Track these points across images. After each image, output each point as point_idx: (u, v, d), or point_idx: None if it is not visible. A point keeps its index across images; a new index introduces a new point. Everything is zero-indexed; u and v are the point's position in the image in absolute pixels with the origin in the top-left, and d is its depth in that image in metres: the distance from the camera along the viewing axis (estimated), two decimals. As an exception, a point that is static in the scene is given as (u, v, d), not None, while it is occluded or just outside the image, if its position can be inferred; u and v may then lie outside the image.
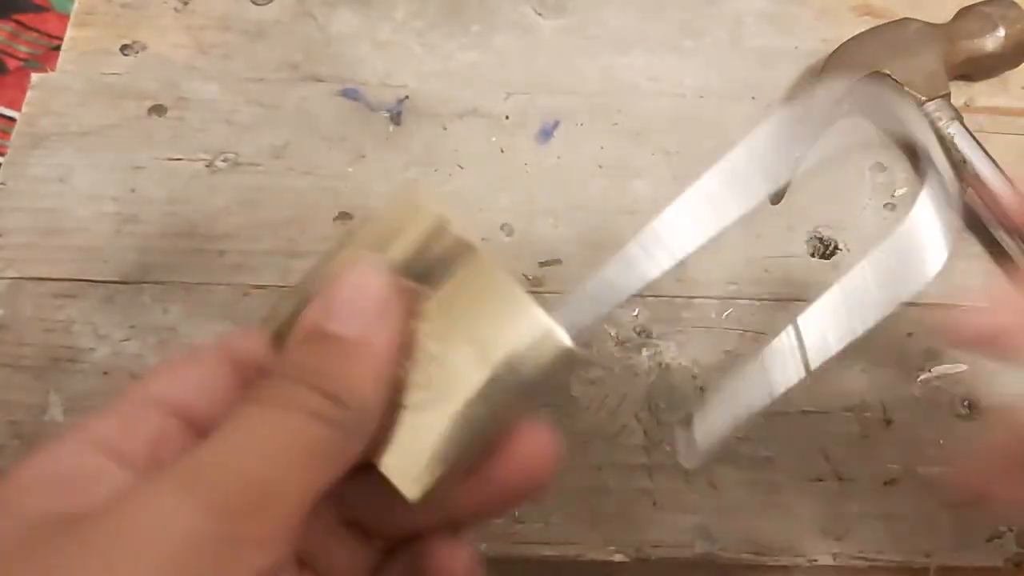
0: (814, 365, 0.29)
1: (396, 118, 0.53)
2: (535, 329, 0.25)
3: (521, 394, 0.25)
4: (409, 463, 0.25)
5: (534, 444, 0.26)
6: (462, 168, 0.52)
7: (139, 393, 0.25)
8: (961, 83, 0.56)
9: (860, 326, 0.28)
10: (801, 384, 0.28)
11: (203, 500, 0.20)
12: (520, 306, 0.26)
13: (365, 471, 0.25)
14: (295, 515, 0.22)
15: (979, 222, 0.51)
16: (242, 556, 0.20)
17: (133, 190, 0.50)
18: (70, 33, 0.55)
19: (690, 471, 0.28)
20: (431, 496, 0.25)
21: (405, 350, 0.25)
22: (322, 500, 0.23)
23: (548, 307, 0.26)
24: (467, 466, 0.25)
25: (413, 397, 0.25)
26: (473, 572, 0.26)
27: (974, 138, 0.50)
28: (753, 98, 0.55)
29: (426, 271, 0.26)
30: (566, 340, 0.25)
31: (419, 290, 0.26)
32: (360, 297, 0.25)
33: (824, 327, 0.29)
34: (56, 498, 0.23)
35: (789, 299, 0.48)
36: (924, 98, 0.51)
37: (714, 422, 0.28)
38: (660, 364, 0.46)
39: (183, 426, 0.24)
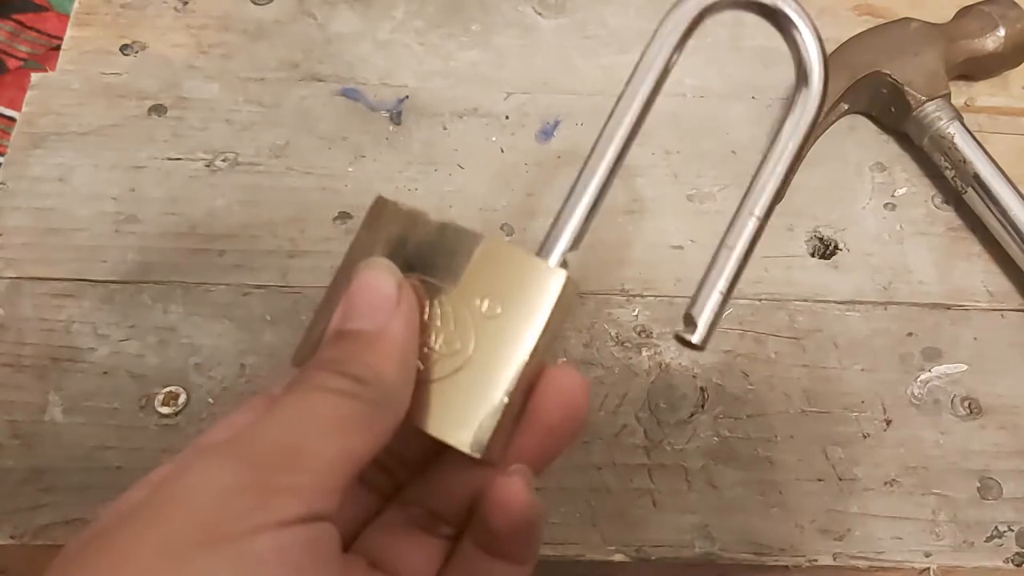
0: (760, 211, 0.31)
1: (396, 118, 0.53)
2: (533, 269, 0.28)
3: (539, 331, 0.27)
4: (463, 423, 0.27)
5: (564, 380, 0.28)
6: (462, 168, 0.52)
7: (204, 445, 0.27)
8: (961, 83, 0.56)
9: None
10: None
11: (240, 459, 0.23)
12: (514, 256, 0.28)
13: (431, 465, 0.29)
14: (332, 474, 0.24)
15: (979, 222, 0.51)
16: (276, 502, 0.23)
17: (133, 190, 0.50)
18: (70, 33, 0.55)
19: (702, 346, 0.29)
20: (493, 448, 0.27)
21: (425, 330, 0.28)
22: (390, 506, 0.28)
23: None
24: (514, 411, 0.28)
25: (448, 365, 0.27)
26: (530, 502, 0.27)
27: (974, 138, 0.50)
28: (753, 98, 0.55)
29: (422, 259, 0.29)
30: (562, 271, 0.28)
31: (422, 277, 0.28)
32: (372, 295, 0.27)
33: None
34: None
35: (789, 299, 0.48)
36: (924, 98, 0.51)
37: (705, 300, 0.30)
38: (660, 364, 0.46)
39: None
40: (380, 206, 0.30)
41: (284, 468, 0.23)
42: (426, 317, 0.28)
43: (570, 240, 0.29)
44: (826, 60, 0.32)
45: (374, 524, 0.30)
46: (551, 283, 0.28)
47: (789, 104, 0.32)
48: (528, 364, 0.27)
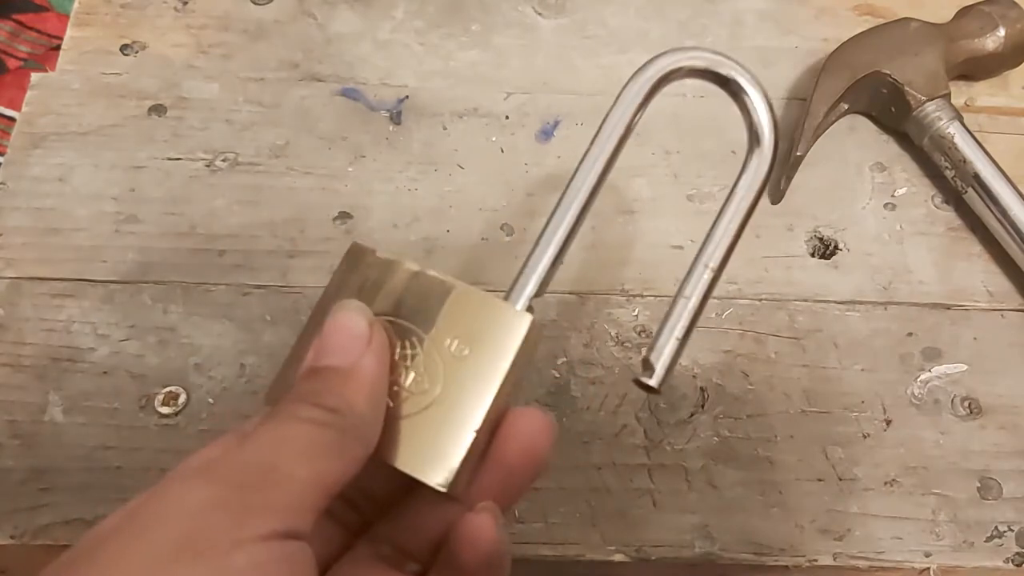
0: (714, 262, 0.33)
1: (396, 118, 0.53)
2: (501, 313, 0.29)
3: (505, 371, 0.29)
4: (431, 458, 0.28)
5: (527, 422, 0.30)
6: (462, 168, 0.52)
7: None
8: (961, 83, 0.56)
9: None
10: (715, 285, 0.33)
11: (216, 479, 0.25)
12: (484, 301, 0.30)
13: (399, 503, 0.30)
14: (305, 494, 0.25)
15: (979, 222, 0.51)
16: (253, 519, 0.24)
17: (133, 190, 0.50)
18: (70, 33, 0.55)
19: (659, 389, 0.31)
20: (459, 483, 0.28)
21: (396, 369, 0.29)
22: (360, 542, 0.29)
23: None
24: (480, 448, 0.29)
25: (417, 403, 0.29)
26: (499, 539, 0.28)
27: (974, 138, 0.50)
28: (753, 98, 0.55)
29: (395, 303, 0.30)
30: (528, 315, 0.29)
31: (394, 319, 0.30)
32: (344, 334, 0.29)
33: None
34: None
35: (789, 299, 0.48)
36: (924, 98, 0.51)
37: (663, 347, 0.31)
38: (660, 364, 0.46)
39: None
40: (357, 252, 0.31)
41: (259, 487, 0.24)
42: (397, 357, 0.29)
43: (536, 286, 0.31)
44: (776, 123, 0.35)
45: (343, 559, 0.30)
46: (518, 326, 0.29)
47: (744, 162, 0.35)
48: (494, 403, 0.28)
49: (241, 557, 0.23)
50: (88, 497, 0.41)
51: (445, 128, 0.53)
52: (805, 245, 0.50)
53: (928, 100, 0.51)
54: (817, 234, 0.51)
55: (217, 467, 0.25)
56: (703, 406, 0.45)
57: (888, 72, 0.51)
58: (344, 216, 0.50)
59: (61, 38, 0.56)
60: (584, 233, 0.50)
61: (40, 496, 0.41)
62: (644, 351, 0.31)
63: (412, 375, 0.29)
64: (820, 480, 0.44)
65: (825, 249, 0.50)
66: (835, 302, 0.48)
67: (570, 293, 0.48)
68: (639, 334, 0.47)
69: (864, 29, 0.54)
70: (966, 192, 0.50)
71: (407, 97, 0.54)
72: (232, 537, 0.23)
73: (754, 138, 0.34)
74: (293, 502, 0.25)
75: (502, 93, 0.54)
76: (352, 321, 0.29)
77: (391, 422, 0.28)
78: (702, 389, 0.46)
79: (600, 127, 0.33)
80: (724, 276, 0.49)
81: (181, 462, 0.27)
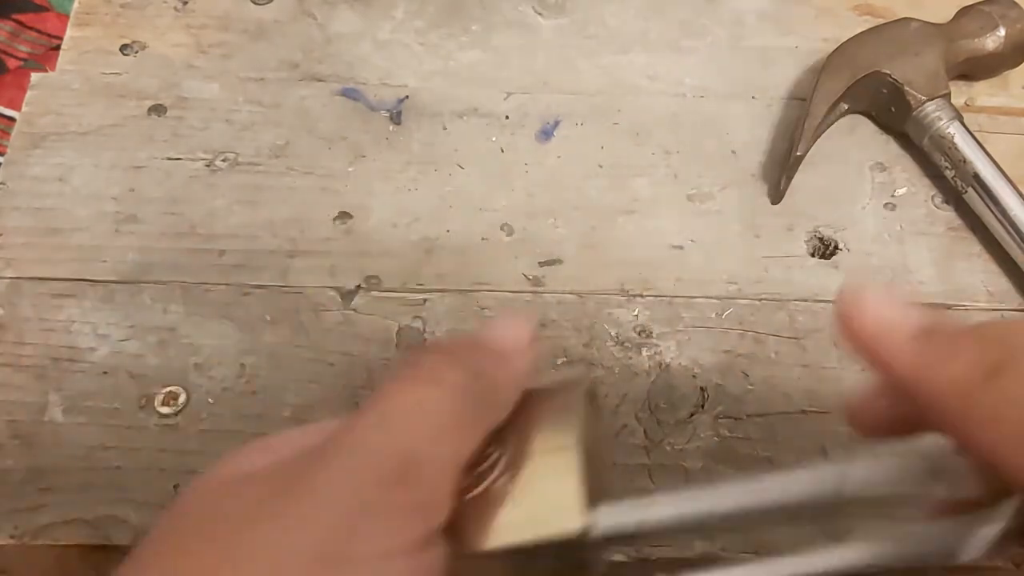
0: None
1: (396, 118, 0.53)
2: (564, 495, 0.26)
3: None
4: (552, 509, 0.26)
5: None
6: (462, 168, 0.52)
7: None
8: (961, 83, 0.56)
9: None
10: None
11: (357, 472, 0.23)
12: (568, 468, 0.26)
13: None
14: (445, 481, 0.24)
15: (979, 222, 0.51)
16: (400, 522, 0.23)
17: (133, 190, 0.50)
18: (70, 33, 0.55)
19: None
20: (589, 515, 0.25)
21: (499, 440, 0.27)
22: None
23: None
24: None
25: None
26: None
27: (974, 138, 0.50)
28: (753, 98, 0.55)
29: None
30: (580, 521, 0.25)
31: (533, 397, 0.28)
32: (513, 327, 0.28)
33: None
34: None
35: (789, 299, 0.48)
36: (924, 98, 0.51)
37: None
38: (660, 364, 0.46)
39: None
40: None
41: (404, 482, 0.23)
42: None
43: (629, 531, 0.26)
44: None
45: None
46: (564, 528, 0.25)
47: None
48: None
49: (392, 569, 0.22)
50: (88, 497, 0.41)
51: (445, 128, 0.53)
52: (805, 245, 0.50)
53: (928, 100, 0.51)
54: (817, 234, 0.50)
55: (356, 454, 0.23)
56: (703, 406, 0.45)
57: (888, 72, 0.51)
58: (344, 216, 0.49)
59: (61, 38, 0.56)
60: (584, 233, 0.50)
61: (40, 496, 0.41)
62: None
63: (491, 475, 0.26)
64: (820, 480, 0.44)
65: (825, 249, 0.50)
66: (835, 302, 0.48)
67: (570, 293, 0.48)
68: (639, 334, 0.47)
69: (864, 29, 0.54)
70: (966, 192, 0.50)
71: (407, 97, 0.54)
72: (382, 547, 0.22)
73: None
74: (436, 496, 0.23)
75: (502, 93, 0.54)
76: (522, 325, 0.28)
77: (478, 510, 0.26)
78: (702, 389, 0.45)
79: None
80: (724, 276, 0.49)
81: (306, 431, 0.26)
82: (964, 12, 0.54)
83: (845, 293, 0.27)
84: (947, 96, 0.51)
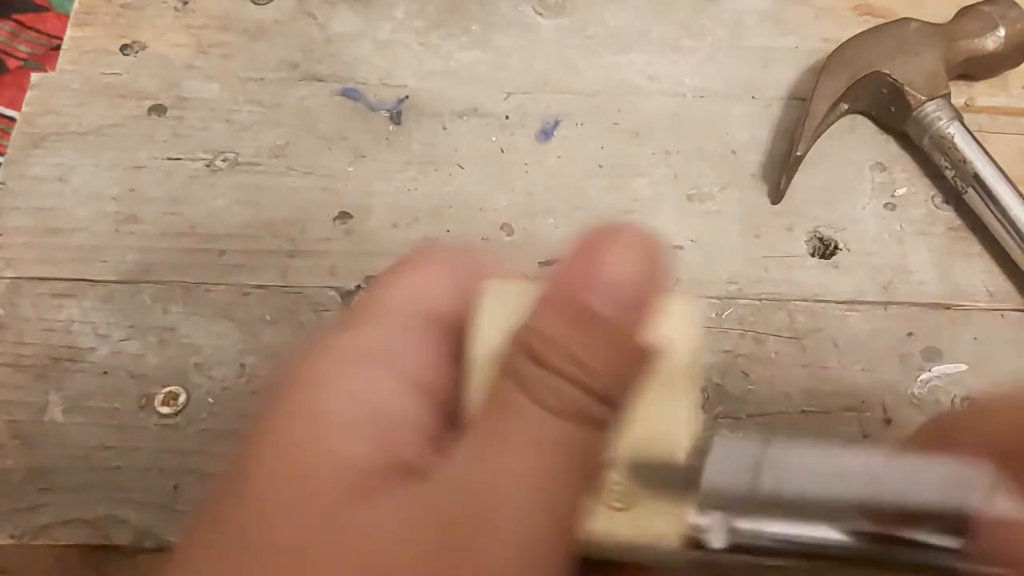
0: None
1: (396, 118, 0.53)
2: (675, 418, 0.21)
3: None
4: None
5: None
6: (462, 168, 0.52)
7: (396, 304, 0.22)
8: (961, 83, 0.56)
9: None
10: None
11: (416, 521, 0.18)
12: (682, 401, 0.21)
13: None
14: (536, 553, 0.18)
15: (979, 222, 0.51)
16: None
17: (133, 190, 0.50)
18: (70, 33, 0.55)
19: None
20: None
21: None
22: None
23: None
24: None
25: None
26: None
27: (974, 138, 0.50)
28: (753, 98, 0.55)
29: None
30: (681, 452, 0.21)
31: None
32: (630, 275, 0.19)
33: None
34: (378, 446, 0.19)
35: (789, 299, 0.48)
36: (924, 98, 0.51)
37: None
38: (660, 364, 0.46)
39: (444, 335, 0.21)
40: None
41: (469, 547, 0.18)
42: None
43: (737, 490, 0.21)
44: None
45: None
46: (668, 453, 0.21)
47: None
48: None
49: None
50: (88, 497, 0.41)
51: (445, 128, 0.53)
52: (805, 245, 0.50)
53: (928, 100, 0.51)
54: (817, 234, 0.50)
55: (418, 499, 0.18)
56: (703, 406, 0.45)
57: (888, 72, 0.51)
58: (344, 216, 0.50)
59: (61, 38, 0.56)
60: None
61: (40, 496, 0.41)
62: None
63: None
64: (820, 480, 0.44)
65: (825, 249, 0.50)
66: (835, 302, 0.48)
67: (570, 293, 0.48)
68: (639, 334, 0.47)
69: (864, 29, 0.54)
70: (966, 192, 0.50)
71: (407, 97, 0.54)
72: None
73: None
74: (519, 568, 0.17)
75: (502, 93, 0.54)
76: (646, 256, 0.19)
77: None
78: (702, 389, 0.45)
79: None
80: (724, 276, 0.49)
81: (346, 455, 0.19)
82: (964, 12, 0.54)
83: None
84: (947, 96, 0.51)
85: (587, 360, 0.18)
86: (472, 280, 0.22)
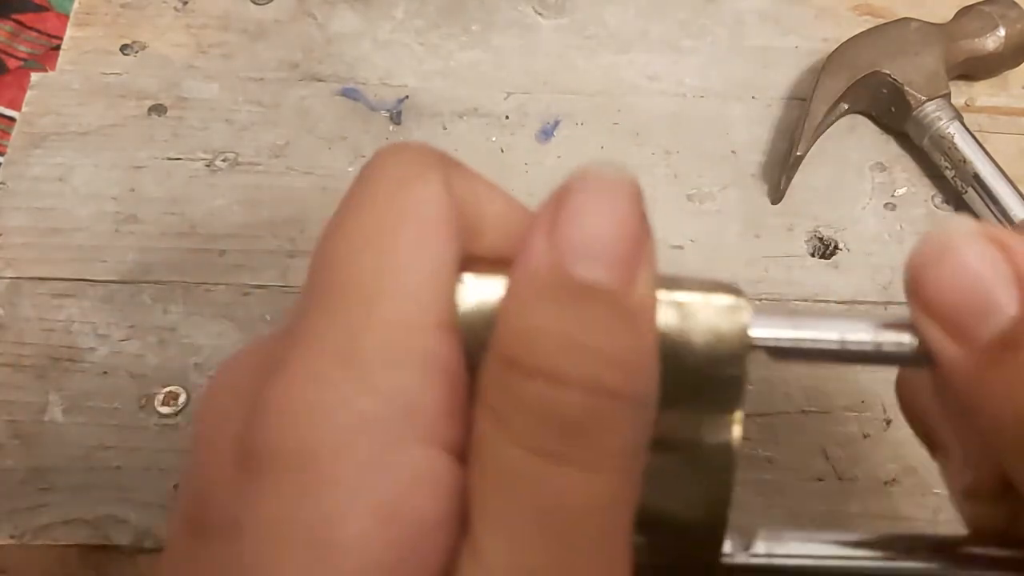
0: None
1: (396, 118, 0.53)
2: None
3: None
4: None
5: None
6: (462, 168, 0.52)
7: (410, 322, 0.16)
8: (961, 83, 0.56)
9: None
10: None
11: None
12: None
13: None
14: None
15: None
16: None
17: (133, 190, 0.50)
18: (70, 33, 0.55)
19: None
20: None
21: None
22: None
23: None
24: None
25: None
26: None
27: (974, 138, 0.50)
28: (753, 98, 0.55)
29: None
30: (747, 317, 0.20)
31: None
32: (613, 225, 0.16)
33: None
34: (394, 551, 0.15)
35: (789, 299, 0.48)
36: (924, 98, 0.51)
37: None
38: (660, 364, 0.46)
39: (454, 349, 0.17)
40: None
41: None
42: None
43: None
44: None
45: None
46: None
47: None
48: None
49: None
50: (88, 497, 0.41)
51: (445, 128, 0.53)
52: (805, 245, 0.50)
53: (928, 100, 0.51)
54: (817, 234, 0.50)
55: None
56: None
57: (888, 72, 0.51)
58: (344, 216, 0.50)
59: (61, 38, 0.56)
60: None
61: (40, 496, 0.41)
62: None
63: None
64: (820, 480, 0.44)
65: (825, 249, 0.50)
66: (835, 302, 0.48)
67: (570, 293, 0.48)
68: (639, 334, 0.47)
69: (864, 29, 0.54)
70: (966, 192, 0.50)
71: (407, 97, 0.54)
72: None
73: None
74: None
75: (502, 93, 0.54)
76: (627, 180, 0.17)
77: None
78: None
79: None
80: (724, 276, 0.49)
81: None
82: (964, 12, 0.54)
83: (929, 237, 0.19)
84: (947, 96, 0.51)
85: (595, 341, 0.15)
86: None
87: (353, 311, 0.16)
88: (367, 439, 0.15)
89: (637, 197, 0.17)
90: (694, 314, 0.20)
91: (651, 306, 0.17)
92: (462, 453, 0.16)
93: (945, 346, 0.19)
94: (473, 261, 0.18)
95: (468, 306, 0.17)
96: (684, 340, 0.19)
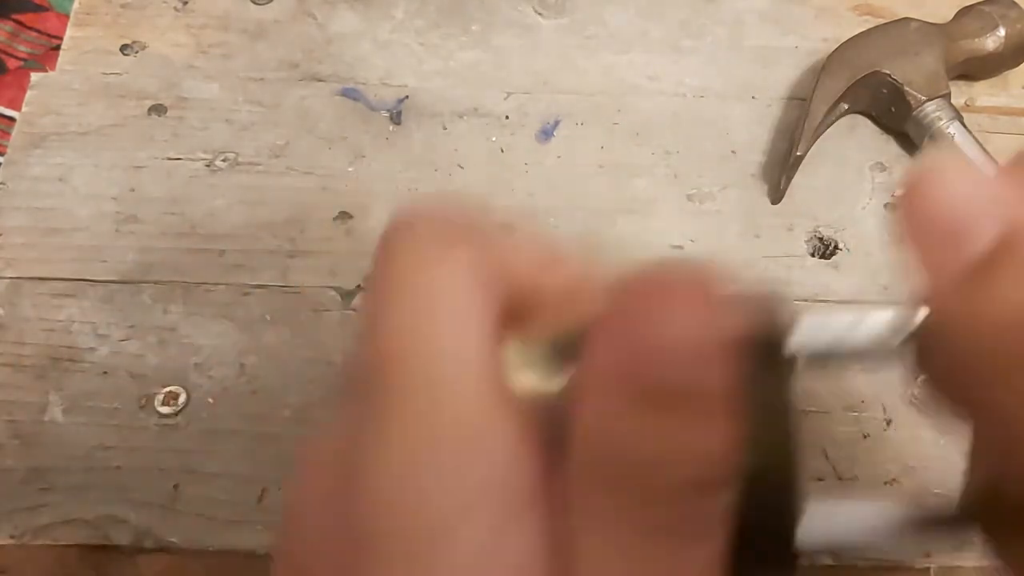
0: None
1: (396, 118, 0.53)
2: None
3: None
4: None
5: None
6: (462, 168, 0.52)
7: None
8: (961, 83, 0.56)
9: None
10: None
11: None
12: None
13: None
14: None
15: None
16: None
17: (133, 190, 0.50)
18: (70, 33, 0.55)
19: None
20: None
21: None
22: None
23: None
24: None
25: None
26: None
27: (974, 138, 0.50)
28: (753, 98, 0.55)
29: None
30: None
31: None
32: (697, 330, 0.15)
33: None
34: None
35: (789, 299, 0.48)
36: (924, 98, 0.51)
37: None
38: (660, 364, 0.46)
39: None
40: None
41: None
42: None
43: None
44: None
45: None
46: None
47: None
48: None
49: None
50: (88, 497, 0.41)
51: (445, 128, 0.53)
52: (805, 245, 0.50)
53: (928, 100, 0.51)
54: (817, 234, 0.50)
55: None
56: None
57: (888, 72, 0.51)
58: (344, 216, 0.49)
59: (61, 38, 0.56)
60: (584, 233, 0.50)
61: (40, 496, 0.41)
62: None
63: None
64: (820, 480, 0.44)
65: (825, 249, 0.50)
66: (835, 302, 0.48)
67: (570, 293, 0.48)
68: (639, 334, 0.47)
69: (864, 29, 0.54)
70: None
71: (407, 97, 0.54)
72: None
73: None
74: None
75: (502, 93, 0.54)
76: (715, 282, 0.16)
77: None
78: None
79: None
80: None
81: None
82: (964, 12, 0.54)
83: (919, 167, 0.18)
84: (947, 96, 0.51)
85: (682, 445, 0.15)
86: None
87: (423, 405, 0.16)
88: (471, 524, 0.15)
89: (711, 296, 0.15)
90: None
91: (735, 397, 0.15)
92: (549, 530, 0.16)
93: (931, 275, 0.19)
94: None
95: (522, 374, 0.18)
96: None
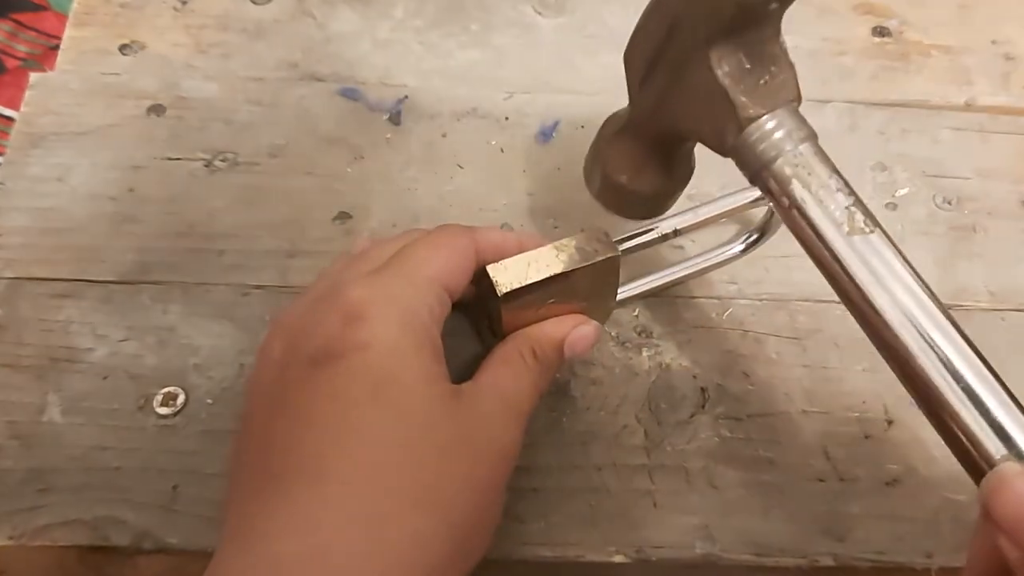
0: None
1: (395, 118, 0.53)
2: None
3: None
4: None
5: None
6: (462, 168, 0.51)
7: (425, 273, 0.34)
8: (962, 83, 0.56)
9: None
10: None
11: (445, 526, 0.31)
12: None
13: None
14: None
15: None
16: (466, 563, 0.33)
17: (132, 190, 0.50)
18: (69, 32, 0.55)
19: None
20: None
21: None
22: None
23: None
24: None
25: None
26: None
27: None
28: (753, 98, 0.55)
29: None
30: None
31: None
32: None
33: None
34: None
35: (790, 299, 0.48)
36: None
37: None
38: (660, 364, 0.46)
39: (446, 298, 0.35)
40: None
41: (474, 534, 0.34)
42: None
43: None
44: None
45: None
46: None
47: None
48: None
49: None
50: (87, 498, 0.41)
51: (444, 128, 0.53)
52: (806, 245, 0.50)
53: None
54: (818, 234, 0.50)
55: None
56: (704, 406, 0.45)
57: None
58: (344, 216, 0.49)
59: (60, 38, 0.56)
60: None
61: (39, 497, 0.41)
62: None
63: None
64: (821, 480, 0.44)
65: (826, 249, 0.50)
66: (836, 302, 0.48)
67: (570, 293, 0.48)
68: (639, 334, 0.47)
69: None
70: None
71: (407, 97, 0.54)
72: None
73: None
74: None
75: (502, 93, 0.54)
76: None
77: None
78: (703, 389, 0.45)
79: None
80: (724, 276, 0.49)
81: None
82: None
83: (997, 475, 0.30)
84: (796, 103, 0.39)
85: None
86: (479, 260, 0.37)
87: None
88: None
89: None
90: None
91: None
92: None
93: (1010, 552, 0.26)
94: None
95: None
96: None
